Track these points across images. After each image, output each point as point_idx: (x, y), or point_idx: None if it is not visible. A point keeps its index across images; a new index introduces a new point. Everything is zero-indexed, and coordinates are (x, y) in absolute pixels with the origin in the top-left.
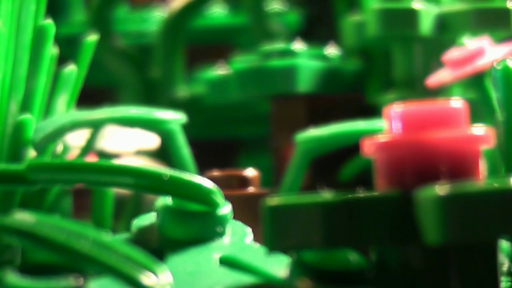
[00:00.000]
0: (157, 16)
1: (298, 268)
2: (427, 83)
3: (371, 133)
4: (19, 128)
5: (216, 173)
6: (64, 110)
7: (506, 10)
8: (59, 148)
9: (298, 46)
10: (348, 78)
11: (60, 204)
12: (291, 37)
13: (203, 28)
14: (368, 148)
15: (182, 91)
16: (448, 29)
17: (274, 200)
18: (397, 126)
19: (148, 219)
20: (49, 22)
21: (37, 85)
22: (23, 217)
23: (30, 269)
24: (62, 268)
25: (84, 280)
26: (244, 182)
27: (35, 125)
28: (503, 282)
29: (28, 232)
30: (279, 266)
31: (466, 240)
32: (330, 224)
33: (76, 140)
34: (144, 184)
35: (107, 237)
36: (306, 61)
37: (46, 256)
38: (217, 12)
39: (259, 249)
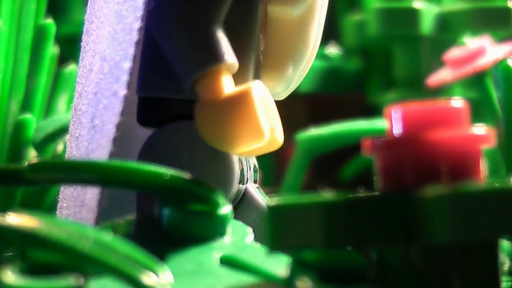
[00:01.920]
0: None
1: (299, 268)
2: (428, 83)
3: (372, 132)
4: (19, 127)
5: None
6: (64, 109)
7: (506, 10)
8: (60, 147)
9: None
10: (348, 78)
11: None
12: None
13: None
14: (369, 147)
15: None
16: (449, 28)
17: (274, 200)
18: (398, 126)
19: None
20: (49, 21)
21: (38, 85)
22: (23, 217)
23: (31, 269)
24: (62, 268)
25: (84, 280)
26: None
27: (36, 124)
28: (504, 282)
29: (28, 232)
30: (280, 266)
31: (467, 240)
32: (331, 224)
33: None
34: (145, 183)
35: (107, 236)
36: None
37: (47, 256)
38: None
39: (259, 249)
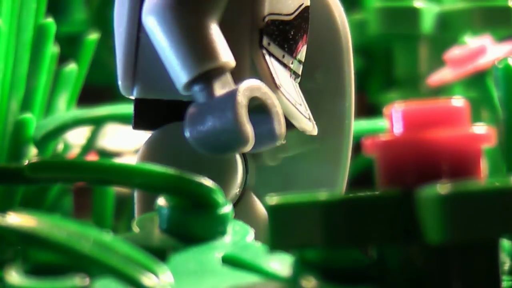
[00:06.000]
0: None
1: (301, 266)
2: (428, 82)
3: (373, 132)
4: (20, 126)
5: None
6: (64, 108)
7: (507, 9)
8: (60, 146)
9: None
10: None
11: (61, 203)
12: None
13: None
14: (369, 147)
15: None
16: (449, 27)
17: (275, 199)
18: (398, 125)
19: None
20: (50, 20)
21: (38, 84)
22: (23, 217)
23: (34, 269)
24: (67, 268)
25: (89, 281)
26: None
27: (36, 123)
28: (504, 281)
29: (28, 232)
30: (281, 264)
31: (467, 239)
32: (331, 223)
33: (77, 138)
34: (145, 183)
35: (107, 236)
36: None
37: (49, 256)
38: None
39: (260, 248)
